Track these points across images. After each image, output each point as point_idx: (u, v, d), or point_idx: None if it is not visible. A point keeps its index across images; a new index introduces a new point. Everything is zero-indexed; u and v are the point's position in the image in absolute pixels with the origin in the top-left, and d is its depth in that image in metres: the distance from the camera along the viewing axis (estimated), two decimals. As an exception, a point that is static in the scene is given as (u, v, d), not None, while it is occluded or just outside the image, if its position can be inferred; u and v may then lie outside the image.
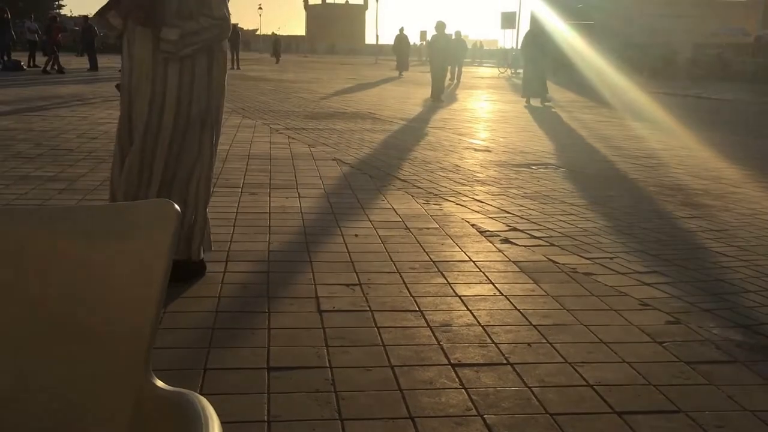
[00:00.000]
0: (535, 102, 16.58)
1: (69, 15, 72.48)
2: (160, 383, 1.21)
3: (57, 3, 68.45)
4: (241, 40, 33.00)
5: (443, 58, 17.53)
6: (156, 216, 1.24)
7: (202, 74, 3.56)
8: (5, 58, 24.47)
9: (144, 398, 1.20)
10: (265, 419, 2.37)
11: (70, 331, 1.23)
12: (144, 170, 3.52)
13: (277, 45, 46.84)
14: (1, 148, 7.94)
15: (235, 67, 32.57)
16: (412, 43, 36.66)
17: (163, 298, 1.22)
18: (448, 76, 25.71)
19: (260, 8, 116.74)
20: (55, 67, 24.01)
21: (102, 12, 3.52)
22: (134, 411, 1.20)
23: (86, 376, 1.23)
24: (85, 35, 26.38)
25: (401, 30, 32.89)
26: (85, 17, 28.60)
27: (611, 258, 4.37)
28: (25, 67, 24.78)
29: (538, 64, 16.53)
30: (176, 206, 1.24)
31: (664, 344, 3.07)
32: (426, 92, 18.47)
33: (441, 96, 17.41)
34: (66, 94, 15.38)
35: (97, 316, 1.22)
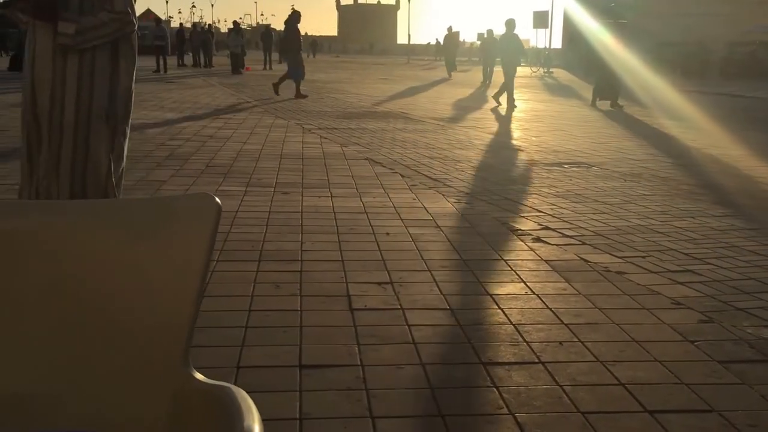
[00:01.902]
0: (603, 105, 15.89)
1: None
2: (199, 376, 1.23)
3: None
4: (273, 41, 33.11)
5: (515, 58, 16.19)
6: (196, 210, 1.25)
7: (104, 68, 3.55)
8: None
9: (183, 391, 1.22)
10: (297, 417, 2.39)
11: (110, 324, 1.26)
12: (51, 165, 3.54)
13: (314, 45, 51.50)
14: (39, 149, 8.07)
15: (268, 67, 32.77)
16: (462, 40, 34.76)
17: (202, 292, 1.24)
18: (482, 77, 25.60)
19: (293, 9, 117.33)
20: None
21: (8, 4, 3.56)
22: (173, 404, 1.23)
23: (126, 369, 1.26)
24: None
25: (449, 29, 30.73)
26: None
27: (644, 257, 4.34)
28: None
29: (606, 66, 15.54)
30: (217, 200, 1.25)
31: (697, 343, 3.05)
32: (478, 95, 18.38)
33: (514, 101, 15.88)
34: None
35: (136, 310, 1.25)
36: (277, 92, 16.64)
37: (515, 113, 14.79)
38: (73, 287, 1.26)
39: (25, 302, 1.26)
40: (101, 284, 1.25)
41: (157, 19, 32.30)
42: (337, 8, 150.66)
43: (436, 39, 67.00)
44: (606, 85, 15.79)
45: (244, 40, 32.26)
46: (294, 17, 16.93)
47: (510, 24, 16.47)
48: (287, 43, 17.00)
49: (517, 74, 16.20)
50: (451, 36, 30.69)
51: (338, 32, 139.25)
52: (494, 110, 15.38)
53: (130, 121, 3.79)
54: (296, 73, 16.63)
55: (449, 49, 30.95)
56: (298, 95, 16.31)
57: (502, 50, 16.73)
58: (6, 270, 1.25)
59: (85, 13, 3.48)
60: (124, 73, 3.67)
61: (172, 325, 1.25)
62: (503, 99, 16.04)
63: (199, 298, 1.25)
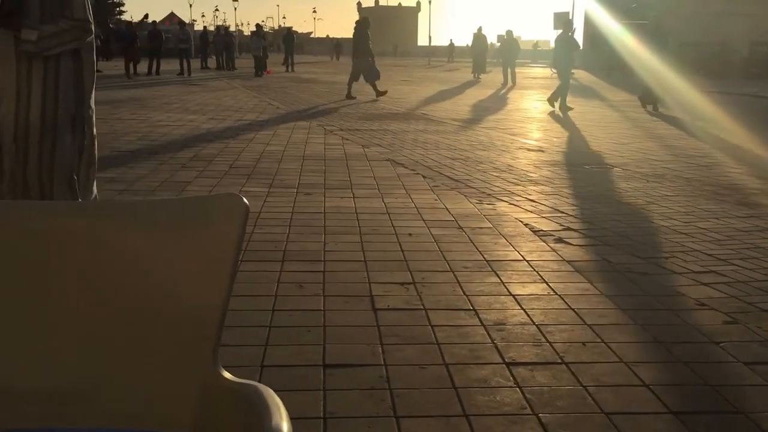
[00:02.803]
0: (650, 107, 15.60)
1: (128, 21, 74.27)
2: (228, 375, 1.25)
3: (118, 9, 70.00)
4: (295, 43, 33.23)
5: (570, 60, 15.61)
6: (225, 210, 1.27)
7: (68, 75, 3.61)
8: None
9: (212, 389, 1.23)
10: (321, 416, 2.41)
11: (141, 322, 1.28)
12: (17, 172, 3.57)
13: (338, 47, 55.65)
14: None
15: (290, 69, 32.89)
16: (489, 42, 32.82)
17: (230, 291, 1.26)
18: (502, 78, 25.49)
19: (314, 11, 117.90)
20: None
21: None
22: (202, 401, 1.25)
23: (156, 367, 1.28)
24: (153, 41, 26.98)
25: (479, 29, 29.91)
26: (153, 23, 29.25)
27: (667, 258, 4.32)
28: None
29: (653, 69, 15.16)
30: (245, 200, 1.27)
31: (722, 344, 3.03)
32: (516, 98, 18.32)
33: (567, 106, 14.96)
34: (126, 98, 15.74)
35: (167, 308, 1.27)
36: (350, 96, 16.91)
37: (535, 114, 14.74)
38: (105, 286, 1.28)
39: (58, 300, 1.28)
40: (132, 283, 1.27)
41: (181, 23, 32.54)
42: (358, 11, 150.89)
43: (450, 40, 67.25)
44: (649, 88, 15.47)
45: (266, 43, 32.43)
46: (365, 23, 17.54)
47: (567, 25, 16.26)
48: (359, 47, 17.38)
49: (534, 76, 16.01)
50: (480, 37, 30.02)
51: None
52: (514, 111, 15.33)
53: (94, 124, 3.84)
54: (372, 74, 17.22)
55: (478, 51, 30.10)
56: (379, 93, 16.93)
57: (557, 52, 16.05)
58: (41, 268, 1.27)
59: (46, 21, 3.54)
60: (88, 78, 3.73)
61: (201, 324, 1.26)
62: (558, 102, 15.33)
63: (228, 297, 1.26)
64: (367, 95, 17.21)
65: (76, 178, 3.72)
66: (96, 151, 3.86)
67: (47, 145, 3.60)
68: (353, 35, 17.64)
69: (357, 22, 17.64)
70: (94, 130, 3.84)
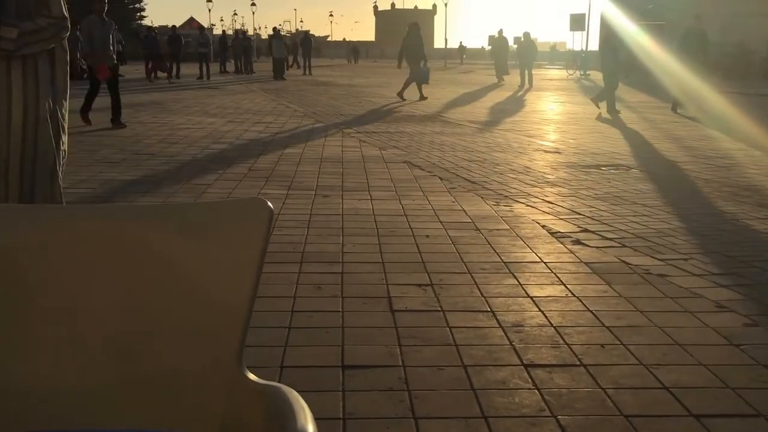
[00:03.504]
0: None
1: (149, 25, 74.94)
2: (252, 376, 1.26)
3: (139, 14, 70.52)
4: (312, 46, 33.32)
5: (616, 62, 15.05)
6: (249, 214, 1.28)
7: (45, 72, 3.60)
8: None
9: (237, 390, 1.25)
10: (341, 416, 2.42)
11: (167, 325, 1.30)
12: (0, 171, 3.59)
13: (356, 51, 57.45)
14: (88, 153, 8.26)
15: (307, 72, 32.99)
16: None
17: (255, 293, 1.28)
18: (519, 80, 25.38)
19: (331, 15, 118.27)
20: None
21: None
22: (227, 403, 1.26)
23: (181, 369, 1.30)
24: (173, 45, 27.15)
25: (500, 32, 29.31)
26: (173, 27, 29.42)
27: (686, 259, 4.30)
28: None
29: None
30: (269, 204, 1.29)
31: (742, 347, 3.02)
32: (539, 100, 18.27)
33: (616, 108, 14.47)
34: (147, 102, 15.85)
35: (193, 311, 1.28)
36: (402, 98, 17.75)
37: (552, 116, 14.69)
38: (131, 288, 1.30)
39: (86, 301, 1.30)
40: (159, 286, 1.29)
41: (201, 27, 32.78)
42: (374, 14, 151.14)
43: (460, 42, 67.72)
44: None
45: (286, 46, 32.56)
46: (417, 27, 18.48)
47: (609, 28, 16.07)
48: (412, 51, 18.08)
49: (551, 78, 15.91)
50: (501, 39, 29.38)
51: (376, 37, 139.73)
52: (530, 113, 15.29)
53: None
54: (421, 77, 18.04)
55: (499, 53, 29.32)
56: (422, 98, 17.75)
57: (603, 54, 15.45)
58: (70, 270, 1.29)
59: (23, 18, 3.53)
60: (61, 76, 3.73)
61: (226, 326, 1.28)
62: (604, 105, 14.78)
63: (253, 299, 1.28)
64: (389, 98, 17.19)
65: (60, 176, 3.73)
66: (67, 149, 3.86)
67: (29, 144, 3.61)
68: (406, 40, 18.31)
69: (410, 27, 18.48)
70: (66, 128, 3.84)
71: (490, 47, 30.32)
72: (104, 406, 1.31)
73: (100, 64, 10.61)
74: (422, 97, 17.78)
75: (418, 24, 18.71)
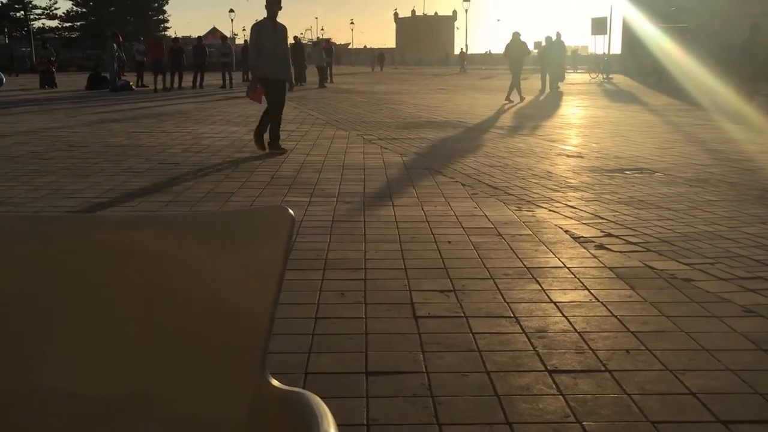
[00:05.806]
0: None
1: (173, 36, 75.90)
2: (276, 383, 1.26)
3: (163, 26, 71.29)
4: (334, 54, 33.40)
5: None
6: (271, 221, 1.29)
7: None
8: (117, 79, 25.59)
9: (261, 397, 1.25)
10: (365, 422, 2.42)
11: (192, 331, 1.31)
12: None
13: (381, 58, 58.86)
14: (113, 163, 8.35)
15: (329, 80, 33.09)
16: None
17: (278, 300, 1.28)
18: (539, 85, 25.17)
19: (352, 23, 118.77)
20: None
21: None
22: (251, 410, 1.27)
23: (206, 374, 1.31)
24: (198, 56, 27.35)
25: (515, 35, 28.59)
26: (199, 38, 29.64)
27: (712, 263, 4.25)
28: (134, 87, 25.91)
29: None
30: (291, 212, 1.30)
31: (770, 352, 2.98)
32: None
33: None
34: (171, 112, 15.98)
35: (217, 317, 1.29)
36: (509, 99, 19.67)
37: (574, 120, 14.63)
38: (158, 296, 1.31)
39: (113, 310, 1.31)
40: (184, 293, 1.30)
41: (223, 37, 33.00)
42: (395, 21, 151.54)
43: (461, 49, 67.94)
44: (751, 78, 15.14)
45: (306, 54, 32.67)
46: (518, 35, 20.91)
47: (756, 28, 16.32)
48: (520, 58, 20.57)
49: (573, 82, 15.89)
50: (521, 44, 28.89)
51: (396, 44, 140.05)
52: (552, 117, 15.23)
53: None
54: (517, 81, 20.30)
55: (515, 58, 28.29)
56: (521, 99, 19.94)
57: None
58: (98, 279, 1.31)
59: None
60: None
61: (250, 332, 1.28)
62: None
63: (276, 306, 1.29)
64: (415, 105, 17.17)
65: None
66: None
67: None
68: (509, 47, 20.68)
69: (514, 35, 20.87)
70: None
71: (536, 51, 29.57)
72: (131, 412, 1.32)
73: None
74: (521, 99, 19.79)
75: (518, 32, 20.97)
